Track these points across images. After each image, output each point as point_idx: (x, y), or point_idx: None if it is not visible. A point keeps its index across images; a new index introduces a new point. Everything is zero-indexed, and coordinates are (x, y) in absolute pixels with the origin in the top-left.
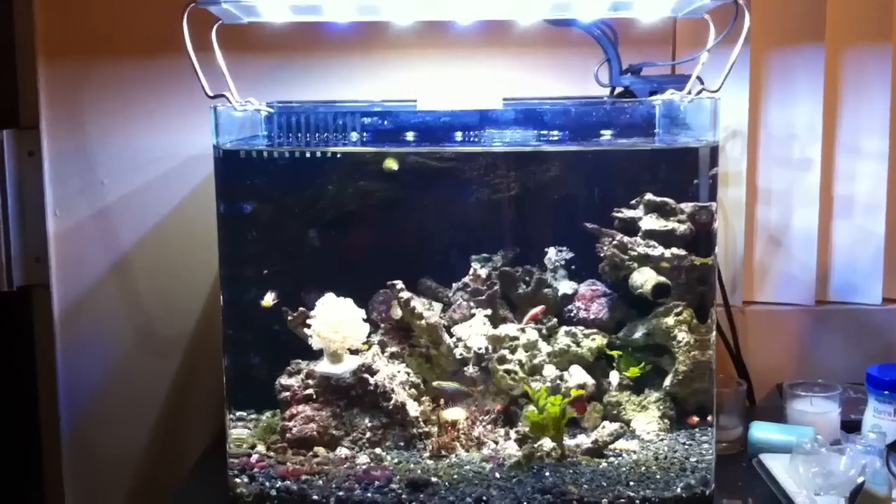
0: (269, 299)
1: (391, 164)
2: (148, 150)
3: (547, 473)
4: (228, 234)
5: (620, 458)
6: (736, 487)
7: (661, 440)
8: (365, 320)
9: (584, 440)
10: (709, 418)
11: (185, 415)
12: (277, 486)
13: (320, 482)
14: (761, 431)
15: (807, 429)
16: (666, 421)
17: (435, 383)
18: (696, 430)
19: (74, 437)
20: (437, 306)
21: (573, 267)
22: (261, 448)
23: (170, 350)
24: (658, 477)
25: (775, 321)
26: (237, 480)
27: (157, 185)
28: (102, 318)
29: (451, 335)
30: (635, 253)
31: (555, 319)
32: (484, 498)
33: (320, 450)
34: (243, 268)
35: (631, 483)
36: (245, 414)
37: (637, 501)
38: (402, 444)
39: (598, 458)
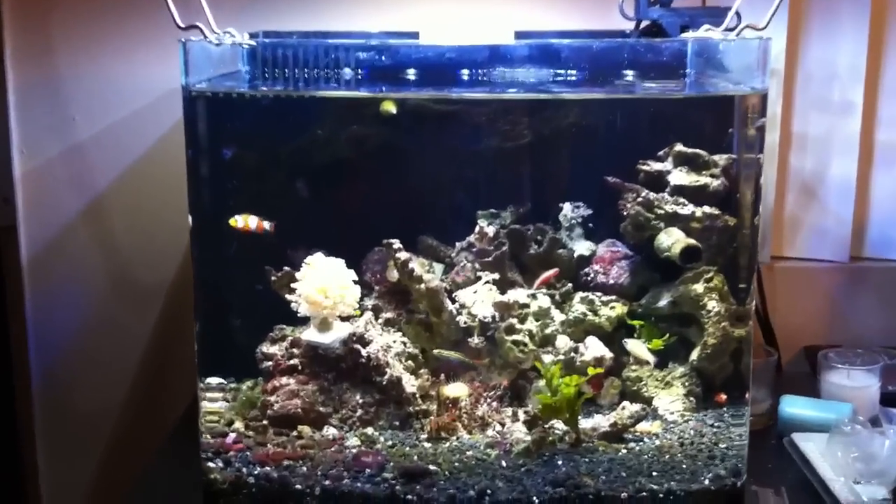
0: (246, 220)
1: (389, 108)
2: (123, 84)
3: (559, 462)
4: (200, 187)
5: (641, 443)
6: (765, 471)
7: (686, 421)
8: (357, 283)
9: (601, 422)
10: (746, 396)
11: (167, 368)
12: (256, 472)
13: (304, 469)
14: (793, 407)
15: (844, 405)
16: (691, 399)
17: (435, 351)
18: (725, 409)
19: (47, 389)
20: (439, 268)
21: (591, 226)
22: (239, 425)
23: (149, 299)
24: (684, 466)
25: (805, 279)
26: (211, 465)
27: (134, 122)
28: (75, 264)
29: (454, 301)
30: (662, 211)
31: (569, 284)
32: (489, 490)
33: (305, 429)
34: (219, 223)
35: (654, 473)
36: (224, 382)
37: (661, 495)
38: (396, 423)
39: (617, 444)
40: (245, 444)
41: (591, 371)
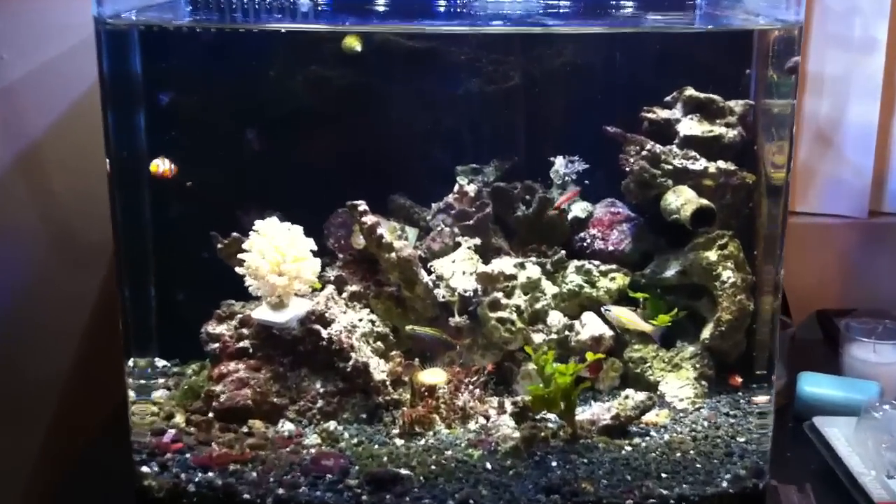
0: (162, 164)
1: (353, 44)
2: (58, 16)
3: (553, 463)
4: (123, 135)
5: (648, 438)
6: (784, 461)
7: (698, 409)
8: (316, 253)
9: (601, 413)
10: (773, 378)
11: (117, 336)
12: (197, 478)
13: (254, 474)
14: (813, 385)
15: (869, 384)
16: (703, 384)
17: (408, 328)
18: (741, 393)
19: None
20: (412, 233)
21: (587, 183)
22: (179, 419)
23: (93, 259)
24: (698, 466)
25: (819, 236)
26: (144, 470)
27: (71, 60)
28: (8, 220)
29: (430, 272)
30: (670, 166)
31: (562, 252)
32: (471, 500)
33: (256, 424)
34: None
35: (663, 475)
36: (168, 365)
37: (671, 502)
38: (363, 416)
39: (620, 440)
40: (185, 443)
41: (589, 356)
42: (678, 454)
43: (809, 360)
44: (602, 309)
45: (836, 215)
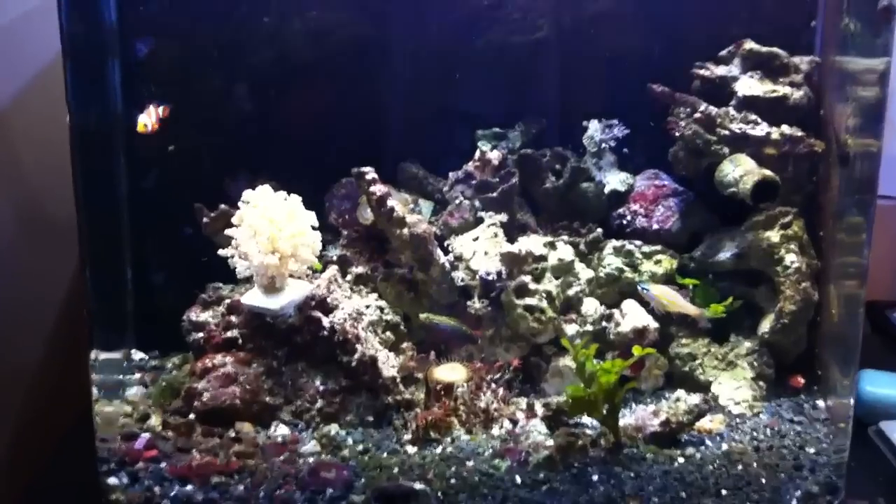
0: (149, 118)
1: None
2: None
3: (594, 477)
4: (88, 91)
5: (703, 447)
6: (847, 470)
7: (757, 414)
8: (317, 228)
9: (647, 419)
10: (846, 382)
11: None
12: (173, 492)
13: (241, 487)
14: (877, 386)
15: None
16: (762, 384)
17: (422, 317)
18: (803, 396)
19: None
20: (427, 207)
21: (626, 151)
22: (155, 422)
23: (64, 241)
24: (763, 481)
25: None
26: (111, 481)
27: (36, 22)
28: None
29: (447, 251)
30: (727, 132)
31: (599, 230)
32: None
33: (245, 427)
34: (125, 139)
35: (723, 492)
36: (146, 358)
37: None
38: (370, 419)
39: (671, 449)
40: (161, 449)
41: (636, 351)
42: (739, 467)
43: (866, 357)
44: (638, 286)
45: (887, 196)
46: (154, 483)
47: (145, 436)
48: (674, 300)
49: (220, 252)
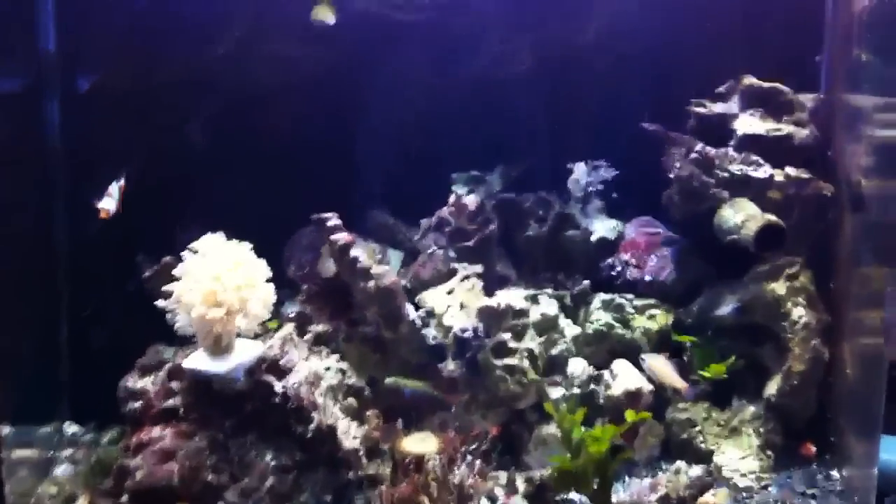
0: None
1: (324, 14)
2: None
3: None
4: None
5: None
6: None
7: (765, 488)
8: (270, 280)
9: (644, 494)
10: (865, 451)
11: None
12: None
13: None
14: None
15: None
16: (769, 454)
17: (389, 380)
18: (815, 465)
19: None
20: (395, 257)
21: (615, 196)
22: (82, 503)
23: None
24: None
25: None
26: None
27: None
28: None
29: (418, 306)
30: (727, 173)
31: (586, 281)
32: None
33: None
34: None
35: None
36: (78, 431)
37: None
38: (328, 498)
39: None
40: None
41: (629, 417)
42: None
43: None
44: (639, 358)
45: None
46: None
47: None
48: (666, 373)
49: (159, 304)
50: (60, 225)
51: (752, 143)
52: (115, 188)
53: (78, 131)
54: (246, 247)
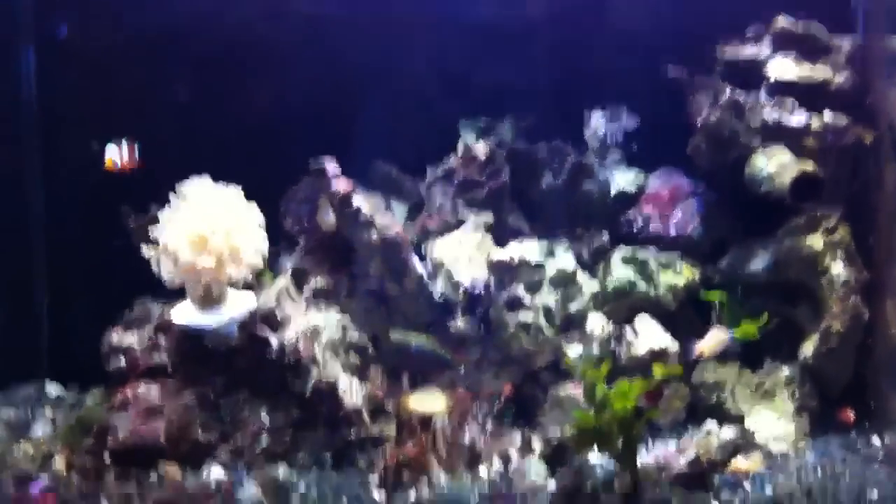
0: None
1: None
2: None
3: None
4: None
5: (741, 492)
6: None
7: (800, 453)
8: (262, 223)
9: (671, 457)
10: None
11: None
12: None
13: None
14: None
15: None
16: (805, 419)
17: (394, 336)
18: (854, 432)
19: None
20: (400, 209)
21: (634, 147)
22: (60, 463)
23: None
24: None
25: None
26: None
27: None
28: None
29: (424, 259)
30: (759, 121)
31: (605, 235)
32: None
33: (170, 470)
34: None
35: None
36: (62, 392)
37: None
38: (328, 458)
39: (702, 493)
40: (62, 496)
41: (658, 372)
42: None
43: None
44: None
45: None
46: None
47: (43, 479)
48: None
49: (144, 252)
50: (35, 178)
51: (785, 89)
52: (124, 145)
53: (54, 83)
54: (236, 191)
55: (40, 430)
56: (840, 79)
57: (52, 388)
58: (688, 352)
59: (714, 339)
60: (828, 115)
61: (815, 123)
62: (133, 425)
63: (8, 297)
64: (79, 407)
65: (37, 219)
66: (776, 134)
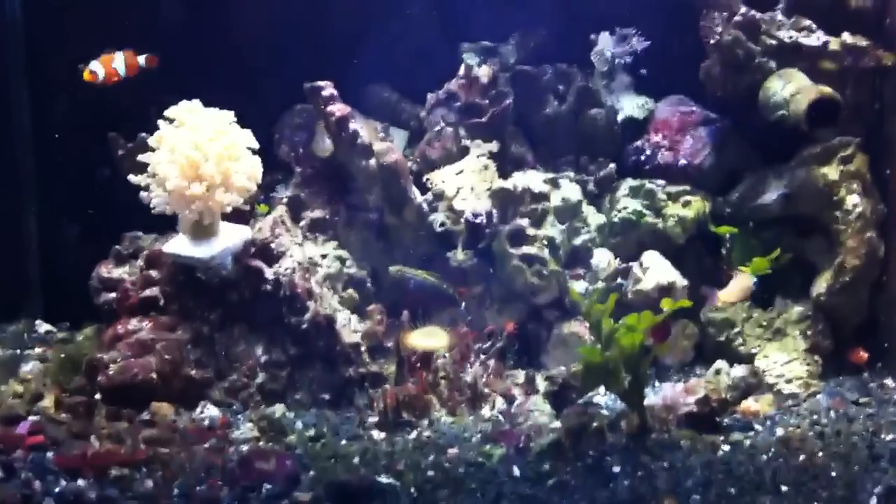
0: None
1: None
2: None
3: (616, 468)
4: None
5: (752, 434)
6: None
7: (813, 394)
8: (256, 153)
9: (678, 397)
10: None
11: None
12: (59, 488)
13: (150, 482)
14: None
15: None
16: (817, 359)
17: (393, 269)
18: (868, 373)
19: None
20: (400, 135)
21: (644, 72)
22: (48, 402)
23: None
24: (832, 474)
25: None
26: None
27: None
28: None
29: (425, 189)
30: (774, 41)
31: (612, 165)
32: None
33: (162, 409)
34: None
35: (783, 487)
36: (53, 330)
37: None
38: (325, 397)
39: (711, 434)
40: (50, 435)
41: (666, 305)
42: (801, 457)
43: None
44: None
45: None
46: (35, 476)
47: (31, 418)
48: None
49: (132, 179)
50: (21, 105)
51: (802, 7)
52: (119, 57)
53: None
54: (228, 114)
55: (29, 367)
56: None
57: (42, 327)
58: (709, 299)
59: (738, 287)
60: (846, 36)
61: (834, 44)
62: (124, 362)
63: None
64: (69, 344)
65: (26, 150)
66: (793, 55)
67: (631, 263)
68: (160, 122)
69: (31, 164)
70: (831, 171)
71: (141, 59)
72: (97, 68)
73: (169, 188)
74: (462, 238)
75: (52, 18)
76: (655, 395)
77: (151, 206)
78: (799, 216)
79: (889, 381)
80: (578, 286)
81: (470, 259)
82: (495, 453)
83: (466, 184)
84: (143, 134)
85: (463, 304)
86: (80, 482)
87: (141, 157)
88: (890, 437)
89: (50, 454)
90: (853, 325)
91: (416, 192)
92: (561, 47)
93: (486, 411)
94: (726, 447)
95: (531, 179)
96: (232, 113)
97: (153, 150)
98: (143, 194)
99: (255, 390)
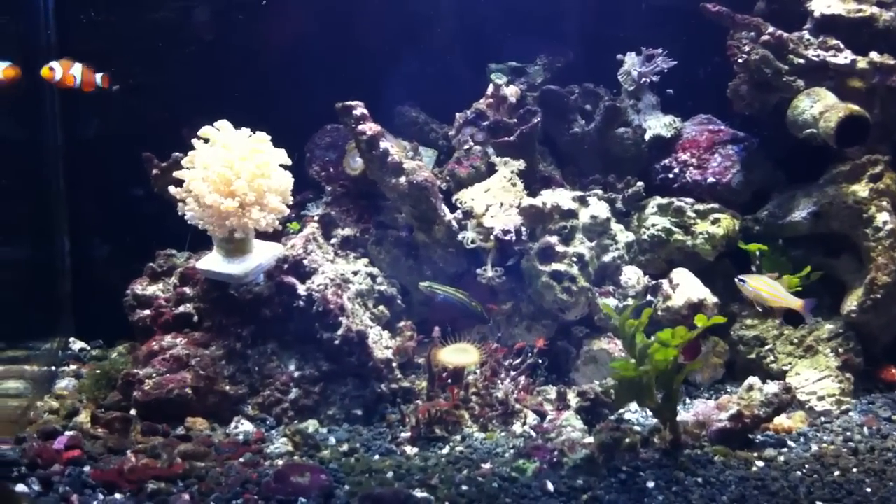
0: (66, 68)
1: None
2: None
3: (650, 483)
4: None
5: (785, 450)
6: None
7: (845, 411)
8: (287, 168)
9: (711, 413)
10: None
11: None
12: (98, 502)
13: (186, 496)
14: None
15: None
16: (849, 376)
17: (423, 286)
18: None
19: None
20: (429, 154)
21: (670, 92)
22: (84, 417)
23: None
24: (867, 490)
25: None
26: (20, 489)
27: None
28: None
29: (455, 206)
30: (802, 60)
31: (639, 183)
32: None
33: (197, 423)
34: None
35: (818, 503)
36: (86, 348)
37: None
38: (358, 412)
39: (744, 451)
40: (87, 450)
41: (699, 322)
42: (836, 473)
43: None
44: (736, 279)
45: None
46: (72, 490)
47: (68, 434)
48: (775, 293)
49: (171, 191)
50: (53, 125)
51: (830, 26)
52: (77, 66)
53: (72, 25)
54: (261, 135)
55: (65, 384)
56: (888, 15)
57: (76, 345)
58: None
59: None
60: (875, 55)
61: (862, 63)
62: (159, 378)
63: (30, 251)
64: (103, 361)
65: (57, 170)
66: (820, 74)
67: (660, 280)
68: (194, 142)
69: (63, 183)
70: (861, 189)
71: (97, 78)
72: (56, 67)
73: (203, 203)
74: (491, 255)
75: (84, 39)
76: (687, 412)
77: (186, 217)
78: (828, 234)
79: None
80: (609, 303)
81: (499, 276)
82: (528, 468)
83: (495, 201)
84: (178, 153)
85: (492, 320)
86: (118, 496)
87: (176, 174)
88: None
89: (87, 468)
90: (884, 342)
91: (445, 209)
92: (589, 66)
93: (517, 427)
94: (760, 463)
95: (560, 197)
96: (267, 136)
97: (188, 166)
98: (179, 205)
99: (289, 405)
